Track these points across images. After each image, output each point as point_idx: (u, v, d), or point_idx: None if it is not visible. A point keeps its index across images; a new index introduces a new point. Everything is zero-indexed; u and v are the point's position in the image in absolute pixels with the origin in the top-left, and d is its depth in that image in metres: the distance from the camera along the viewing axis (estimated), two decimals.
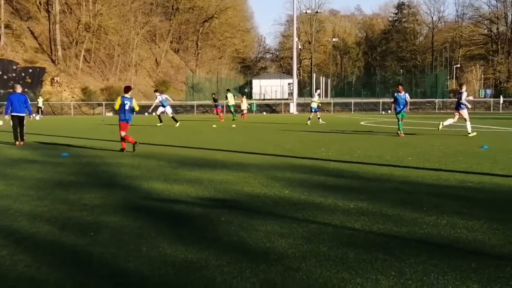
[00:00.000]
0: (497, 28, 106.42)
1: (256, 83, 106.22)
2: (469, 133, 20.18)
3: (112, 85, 75.72)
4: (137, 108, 15.81)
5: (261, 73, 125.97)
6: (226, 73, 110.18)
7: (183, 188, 8.83)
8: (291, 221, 6.43)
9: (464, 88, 21.15)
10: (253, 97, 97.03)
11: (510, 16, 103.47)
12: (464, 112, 20.40)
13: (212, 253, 5.16)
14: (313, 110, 32.33)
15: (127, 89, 15.93)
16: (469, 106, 20.84)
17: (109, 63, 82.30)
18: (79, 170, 11.57)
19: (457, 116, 20.68)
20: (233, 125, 29.99)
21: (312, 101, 32.90)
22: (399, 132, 21.06)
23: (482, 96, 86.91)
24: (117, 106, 15.58)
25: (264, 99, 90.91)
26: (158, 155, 14.27)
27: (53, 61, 74.20)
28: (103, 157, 13.95)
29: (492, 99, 74.30)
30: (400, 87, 21.40)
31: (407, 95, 21.29)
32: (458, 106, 20.58)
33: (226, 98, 40.91)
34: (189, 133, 23.95)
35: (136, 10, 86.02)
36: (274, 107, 69.89)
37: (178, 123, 29.67)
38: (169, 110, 31.20)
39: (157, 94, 32.15)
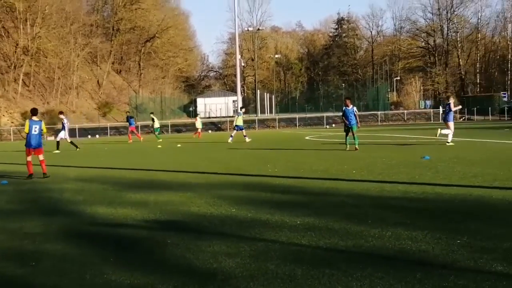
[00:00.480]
0: (434, 41, 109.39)
1: (200, 101, 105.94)
2: (448, 143, 20.77)
3: (53, 108, 74.08)
4: (45, 131, 15.00)
5: (206, 91, 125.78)
6: (170, 92, 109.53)
7: (128, 211, 8.68)
8: (238, 240, 6.39)
9: (452, 100, 22.49)
10: (198, 116, 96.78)
11: (446, 29, 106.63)
12: (451, 124, 21.22)
13: (158, 277, 5.07)
14: (236, 129, 31.85)
15: (34, 111, 15.17)
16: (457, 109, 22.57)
17: (49, 86, 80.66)
18: (20, 197, 11.25)
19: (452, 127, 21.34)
20: (159, 146, 29.68)
21: (237, 119, 32.46)
22: (348, 145, 20.53)
23: (422, 107, 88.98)
24: (26, 130, 14.69)
25: (209, 117, 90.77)
26: (102, 178, 14.02)
27: None
28: (45, 183, 13.61)
29: (431, 110, 76.23)
30: (348, 101, 21.41)
31: (355, 108, 21.16)
32: (446, 117, 21.37)
33: (153, 120, 40.23)
34: (134, 155, 23.64)
35: (76, 32, 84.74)
36: (219, 125, 69.83)
37: (78, 148, 28.46)
38: (63, 134, 28.85)
39: (62, 116, 29.57)
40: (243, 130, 32.44)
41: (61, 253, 6.20)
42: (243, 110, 34.97)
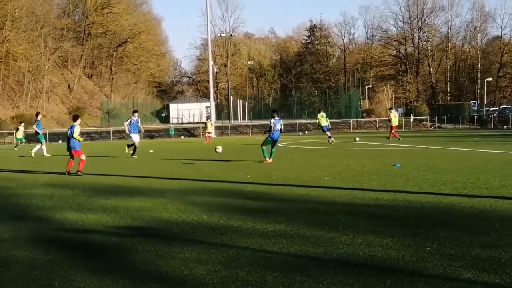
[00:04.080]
0: (405, 49, 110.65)
1: (173, 107, 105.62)
2: None
3: (23, 113, 73.19)
4: (75, 135, 16.50)
5: (178, 97, 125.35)
6: (142, 97, 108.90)
7: (98, 217, 8.60)
8: (209, 247, 6.37)
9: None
10: (171, 121, 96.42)
11: (417, 37, 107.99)
12: None
13: (128, 284, 5.03)
14: (325, 129, 32.97)
15: (75, 117, 17.33)
16: None
17: (19, 90, 79.63)
18: None
19: None
20: (151, 151, 29.57)
21: (320, 120, 33.31)
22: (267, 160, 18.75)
23: None
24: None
25: (182, 123, 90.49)
26: (72, 184, 13.86)
27: None
28: (14, 188, 13.41)
29: (403, 118, 77.03)
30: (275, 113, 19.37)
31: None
32: None
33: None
34: (106, 160, 23.43)
35: (46, 35, 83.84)
36: (192, 131, 69.68)
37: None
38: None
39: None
40: (329, 131, 33.36)
41: (30, 259, 6.10)
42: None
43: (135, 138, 23.93)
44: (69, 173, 16.30)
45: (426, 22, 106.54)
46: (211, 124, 49.08)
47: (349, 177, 13.38)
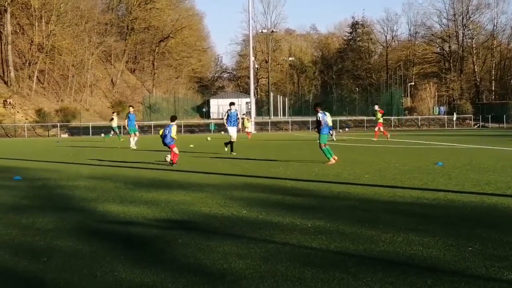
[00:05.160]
0: (449, 47, 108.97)
1: (214, 102, 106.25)
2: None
3: (67, 106, 74.61)
4: (172, 135, 17.82)
5: (219, 92, 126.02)
6: (183, 92, 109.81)
7: (139, 210, 8.72)
8: (248, 242, 6.39)
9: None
10: (211, 117, 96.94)
11: (461, 35, 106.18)
12: None
13: (168, 276, 5.09)
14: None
15: (172, 118, 18.91)
16: None
17: (63, 84, 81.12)
18: (33, 193, 11.32)
19: None
20: (191, 145, 29.79)
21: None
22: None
23: (436, 114, 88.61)
24: (160, 133, 18.21)
25: (222, 118, 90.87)
26: (114, 176, 14.08)
27: (5, 83, 72.79)
28: (58, 180, 13.69)
29: (446, 116, 75.85)
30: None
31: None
32: None
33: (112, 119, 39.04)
34: (146, 154, 23.69)
35: (90, 30, 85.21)
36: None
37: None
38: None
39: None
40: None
41: (72, 249, 6.23)
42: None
43: (232, 131, 22.53)
44: (172, 163, 17.51)
45: (471, 19, 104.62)
46: (247, 119, 49.00)
47: (390, 175, 13.26)
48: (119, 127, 38.90)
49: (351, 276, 5.00)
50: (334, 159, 16.87)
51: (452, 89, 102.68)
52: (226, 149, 22.69)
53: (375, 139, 32.74)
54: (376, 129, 33.92)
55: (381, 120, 33.50)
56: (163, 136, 18.08)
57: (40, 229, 7.39)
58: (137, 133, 29.48)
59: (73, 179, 13.69)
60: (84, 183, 12.74)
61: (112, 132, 38.07)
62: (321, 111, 17.37)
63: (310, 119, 68.19)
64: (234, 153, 21.74)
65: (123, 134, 37.80)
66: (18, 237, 6.97)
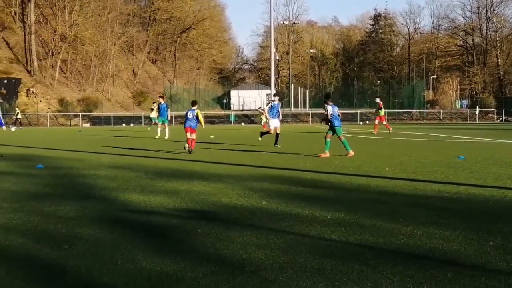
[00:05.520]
0: (473, 40, 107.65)
1: (234, 93, 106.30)
2: None
3: (89, 96, 75.13)
4: (200, 117, 19.09)
5: (240, 83, 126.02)
6: (204, 83, 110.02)
7: (160, 200, 8.77)
8: (268, 232, 6.41)
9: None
10: (232, 108, 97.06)
11: (485, 28, 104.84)
12: None
13: (188, 265, 5.12)
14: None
15: (193, 103, 19.63)
16: None
17: (85, 74, 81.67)
18: (55, 182, 11.44)
19: None
20: (212, 136, 29.86)
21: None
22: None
23: (459, 107, 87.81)
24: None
25: (242, 110, 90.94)
26: (135, 166, 14.17)
27: (28, 72, 73.49)
28: (79, 169, 13.81)
29: (468, 110, 75.13)
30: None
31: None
32: None
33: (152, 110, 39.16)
34: (167, 144, 23.79)
35: (113, 20, 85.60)
36: (253, 118, 69.91)
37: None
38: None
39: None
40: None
41: (94, 237, 6.29)
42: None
43: (275, 123, 21.51)
44: (190, 151, 18.26)
45: (495, 12, 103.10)
46: (262, 112, 48.81)
47: (411, 168, 13.18)
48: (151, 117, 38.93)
49: (371, 268, 4.99)
50: (326, 155, 16.54)
51: (475, 82, 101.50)
52: (260, 139, 23.03)
53: (376, 131, 32.22)
54: (377, 121, 33.29)
55: (382, 114, 32.83)
56: (187, 120, 18.76)
57: (62, 217, 7.47)
58: (166, 123, 29.48)
59: (95, 168, 13.81)
60: (105, 172, 12.84)
61: (152, 122, 38.25)
62: (330, 103, 17.15)
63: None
64: (279, 146, 20.95)
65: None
66: (40, 224, 7.06)
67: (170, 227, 6.82)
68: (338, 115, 17.33)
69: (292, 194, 9.30)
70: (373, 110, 57.92)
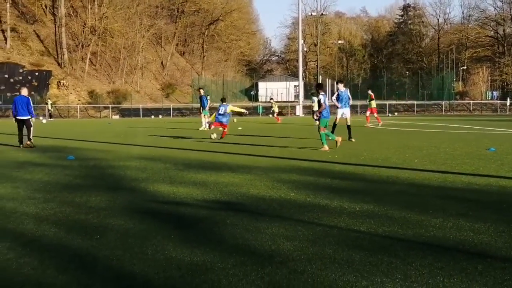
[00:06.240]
0: (504, 30, 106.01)
1: (262, 85, 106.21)
2: None
3: (118, 88, 75.89)
4: (236, 109, 21.28)
5: (267, 75, 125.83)
6: (232, 75, 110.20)
7: (188, 191, 8.84)
8: (296, 224, 6.42)
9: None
10: (259, 100, 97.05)
11: None
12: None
13: (217, 256, 5.16)
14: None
15: (223, 99, 21.05)
16: None
17: (115, 66, 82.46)
18: (86, 173, 11.60)
19: None
20: (240, 128, 29.95)
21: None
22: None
23: (489, 98, 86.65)
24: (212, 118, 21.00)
25: (269, 102, 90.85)
26: (164, 158, 14.29)
27: (59, 64, 74.45)
28: (109, 160, 13.97)
29: (499, 101, 74.04)
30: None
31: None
32: None
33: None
34: (195, 135, 23.92)
35: (142, 13, 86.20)
36: (280, 110, 69.82)
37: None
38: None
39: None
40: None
41: (124, 228, 6.38)
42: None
43: (346, 112, 20.40)
44: (222, 137, 19.69)
45: None
46: (274, 103, 48.79)
47: (440, 160, 13.06)
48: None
49: (400, 260, 4.97)
50: (326, 147, 16.09)
51: (506, 73, 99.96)
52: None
53: (368, 123, 31.97)
54: (368, 113, 32.94)
55: (373, 105, 32.44)
56: (218, 115, 19.62)
57: (92, 208, 7.58)
58: (207, 115, 29.83)
59: (124, 160, 13.96)
60: (135, 164, 12.97)
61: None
62: (322, 93, 16.83)
63: (359, 102, 67.58)
64: (353, 140, 19.47)
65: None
66: (72, 215, 7.17)
67: (199, 218, 6.87)
68: (327, 105, 16.83)
69: (321, 186, 9.29)
70: (402, 102, 57.48)
